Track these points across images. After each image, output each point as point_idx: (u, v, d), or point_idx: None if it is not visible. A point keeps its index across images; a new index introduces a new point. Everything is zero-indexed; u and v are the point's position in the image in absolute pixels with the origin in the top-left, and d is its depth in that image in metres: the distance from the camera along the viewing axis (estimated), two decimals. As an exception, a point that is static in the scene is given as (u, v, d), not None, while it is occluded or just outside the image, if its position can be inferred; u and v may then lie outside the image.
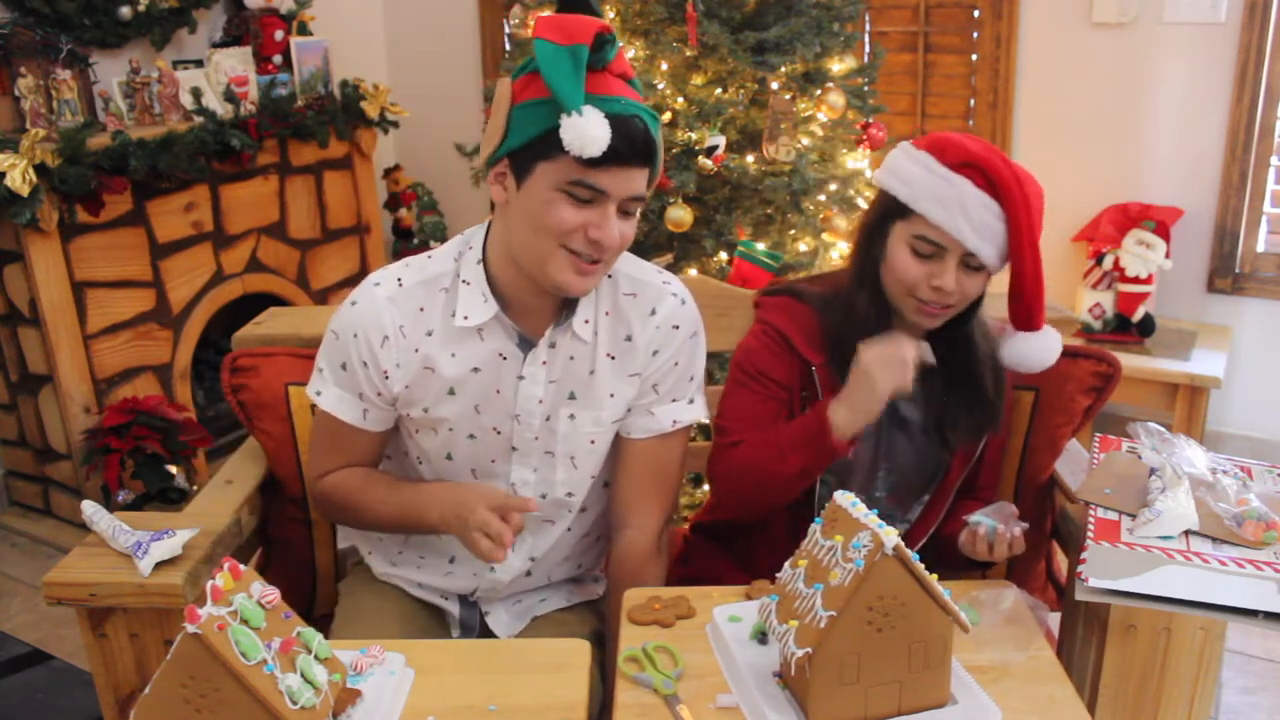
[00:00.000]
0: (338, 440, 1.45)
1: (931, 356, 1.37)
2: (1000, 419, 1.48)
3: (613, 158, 1.21)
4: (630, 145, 1.22)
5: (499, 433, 1.40)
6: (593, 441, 1.42)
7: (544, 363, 1.37)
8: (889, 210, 1.39)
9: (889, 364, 1.31)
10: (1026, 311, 1.39)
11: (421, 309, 1.36)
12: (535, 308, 1.36)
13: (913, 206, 1.35)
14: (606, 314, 1.39)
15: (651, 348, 1.40)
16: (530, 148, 1.23)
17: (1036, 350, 1.42)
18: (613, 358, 1.39)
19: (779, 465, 1.38)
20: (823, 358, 1.44)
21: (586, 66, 1.21)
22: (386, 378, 1.37)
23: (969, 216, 1.31)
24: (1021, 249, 1.33)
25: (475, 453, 1.41)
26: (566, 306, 1.37)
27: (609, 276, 1.39)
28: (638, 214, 1.30)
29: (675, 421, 1.43)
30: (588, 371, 1.38)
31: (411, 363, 1.37)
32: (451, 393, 1.37)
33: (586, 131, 1.18)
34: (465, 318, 1.34)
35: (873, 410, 1.33)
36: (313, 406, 1.47)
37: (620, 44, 1.29)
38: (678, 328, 1.40)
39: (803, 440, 1.37)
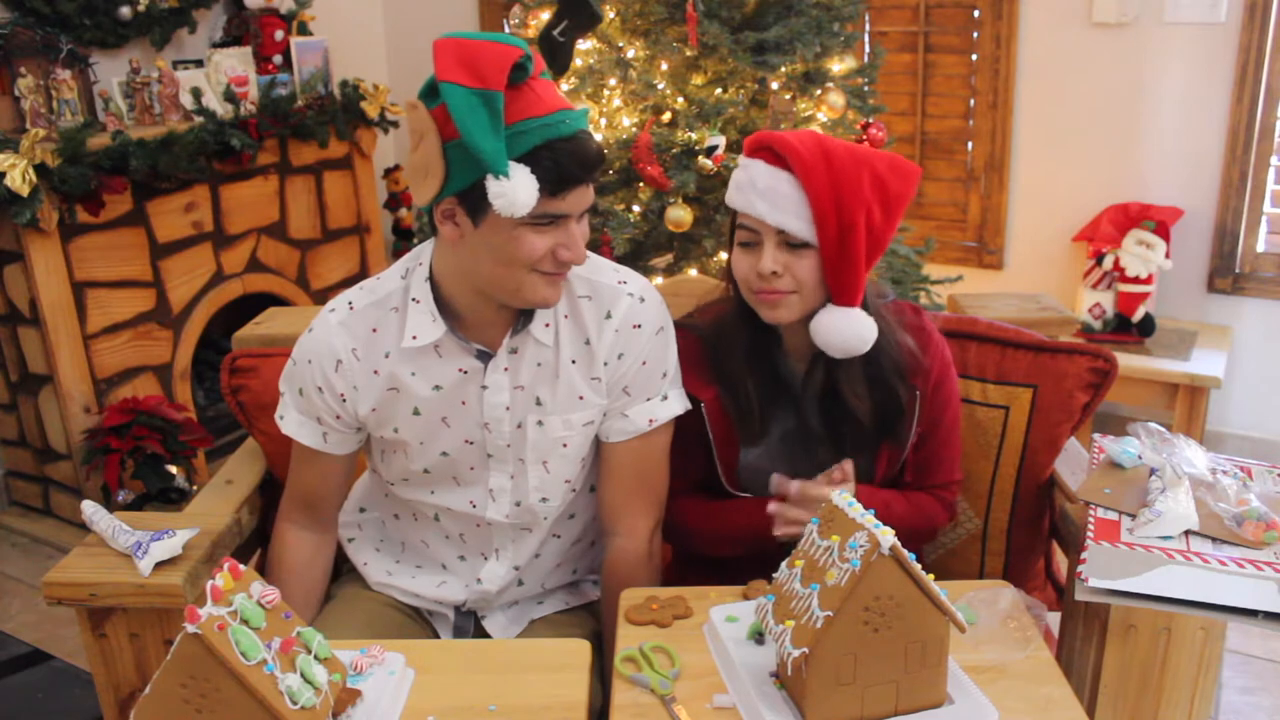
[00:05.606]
0: (303, 464, 1.46)
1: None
2: (901, 424, 1.43)
3: (572, 181, 1.19)
4: (583, 164, 1.19)
5: (471, 443, 1.39)
6: (565, 445, 1.40)
7: (506, 369, 1.35)
8: (730, 221, 1.42)
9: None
10: (835, 282, 1.34)
11: (375, 330, 1.35)
12: (490, 322, 1.34)
13: (727, 204, 1.39)
14: (565, 317, 1.36)
15: (615, 351, 1.37)
16: (480, 189, 1.17)
17: (839, 326, 1.34)
18: (574, 362, 1.37)
19: (721, 546, 1.48)
20: (713, 391, 1.44)
21: (507, 87, 1.15)
22: (344, 400, 1.37)
23: (760, 191, 1.32)
24: (823, 213, 1.30)
25: (451, 464, 1.41)
26: (523, 315, 1.34)
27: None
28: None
29: (651, 420, 1.40)
30: (554, 376, 1.36)
31: (373, 384, 1.36)
32: (416, 412, 1.37)
33: (515, 197, 1.15)
34: (414, 337, 1.32)
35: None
36: None
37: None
38: (639, 327, 1.37)
39: (747, 537, 1.43)
